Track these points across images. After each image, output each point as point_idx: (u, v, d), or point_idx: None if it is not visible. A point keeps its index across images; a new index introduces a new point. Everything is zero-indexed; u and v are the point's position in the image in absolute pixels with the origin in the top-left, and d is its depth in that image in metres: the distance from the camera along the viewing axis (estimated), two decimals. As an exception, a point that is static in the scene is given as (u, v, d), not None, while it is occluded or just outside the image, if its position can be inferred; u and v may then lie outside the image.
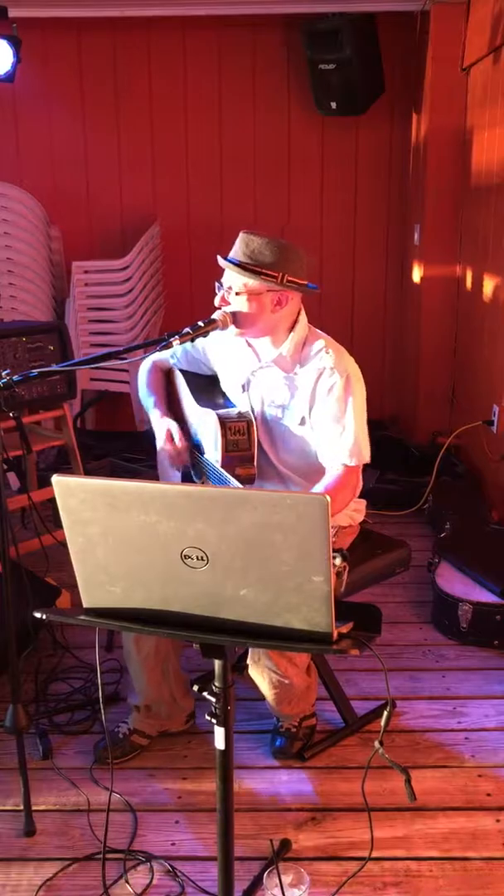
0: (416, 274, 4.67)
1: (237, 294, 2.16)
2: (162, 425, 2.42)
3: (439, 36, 4.22)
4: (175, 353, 2.51)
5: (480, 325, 4.10)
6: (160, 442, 2.42)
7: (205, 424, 2.36)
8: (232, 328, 2.21)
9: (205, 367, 2.51)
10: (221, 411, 2.31)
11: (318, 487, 2.16)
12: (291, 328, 2.26)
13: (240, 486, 2.17)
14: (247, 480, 2.25)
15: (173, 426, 2.41)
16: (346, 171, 4.94)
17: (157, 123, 4.87)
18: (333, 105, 4.52)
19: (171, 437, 2.39)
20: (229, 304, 2.19)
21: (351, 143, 4.89)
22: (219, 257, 2.21)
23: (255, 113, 4.86)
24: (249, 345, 2.33)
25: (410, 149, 4.78)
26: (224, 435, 2.23)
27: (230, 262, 2.15)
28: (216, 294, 2.22)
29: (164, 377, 2.59)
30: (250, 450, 2.26)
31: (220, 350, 2.43)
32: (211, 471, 2.31)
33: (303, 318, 2.28)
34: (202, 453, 2.39)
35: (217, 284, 2.22)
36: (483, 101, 3.98)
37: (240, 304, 2.17)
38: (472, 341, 4.26)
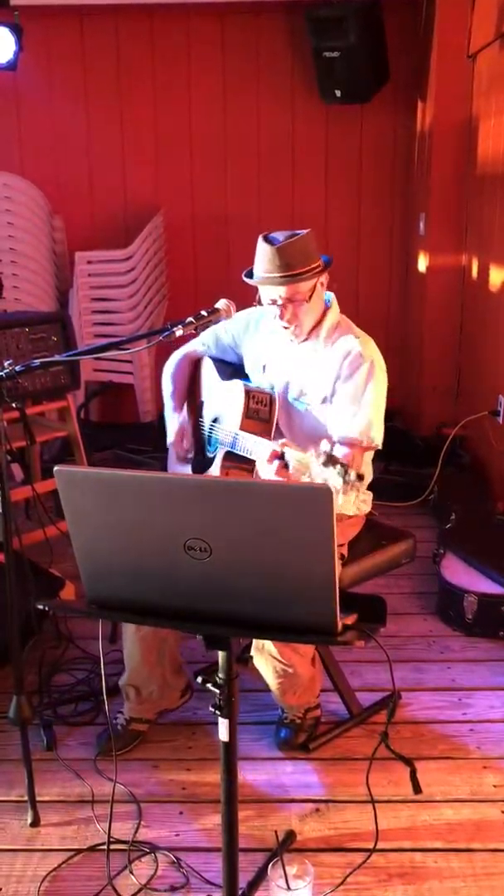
0: (422, 264, 4.64)
1: (287, 303, 2.20)
2: (174, 423, 2.48)
3: (445, 23, 4.19)
4: (206, 342, 2.55)
5: (486, 315, 4.07)
6: (170, 438, 2.47)
7: (227, 395, 2.38)
8: (289, 336, 2.26)
9: (235, 356, 2.53)
10: (248, 382, 2.37)
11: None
12: (324, 313, 2.30)
13: (261, 439, 2.17)
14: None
15: (186, 428, 2.47)
16: (351, 160, 4.91)
17: (160, 112, 4.84)
18: (338, 93, 4.48)
19: (180, 439, 2.45)
20: (298, 317, 2.23)
21: (356, 132, 4.86)
22: (255, 279, 2.20)
23: (258, 101, 4.82)
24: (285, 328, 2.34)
25: (416, 137, 4.75)
26: (247, 402, 2.27)
27: (282, 277, 2.16)
28: (276, 314, 2.23)
29: (191, 368, 2.61)
30: (269, 423, 2.29)
31: (255, 332, 2.45)
32: (224, 438, 2.33)
33: (335, 304, 2.34)
34: (221, 425, 2.41)
35: (268, 302, 2.23)
36: (489, 88, 3.95)
37: (307, 310, 2.22)
38: (478, 331, 4.24)
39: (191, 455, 2.49)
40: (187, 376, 2.59)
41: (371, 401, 2.22)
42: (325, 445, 1.73)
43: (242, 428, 2.27)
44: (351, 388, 2.22)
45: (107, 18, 4.65)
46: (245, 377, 2.48)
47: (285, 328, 2.25)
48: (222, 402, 2.42)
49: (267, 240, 2.18)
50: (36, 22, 4.22)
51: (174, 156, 4.89)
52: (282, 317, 2.22)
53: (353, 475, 1.60)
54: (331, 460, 1.61)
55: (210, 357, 2.56)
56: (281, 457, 1.92)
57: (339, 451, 2.17)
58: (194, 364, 2.61)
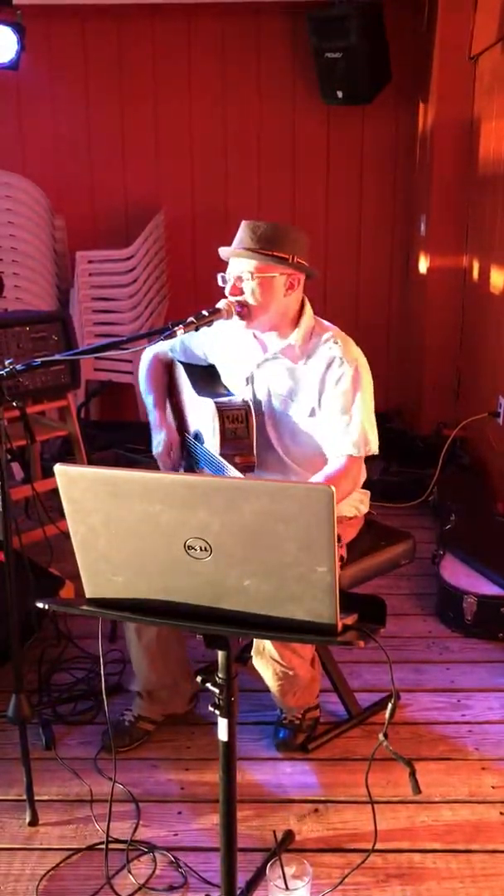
0: (422, 265, 4.64)
1: (249, 280, 2.14)
2: (160, 436, 2.45)
3: (447, 23, 4.18)
4: (174, 347, 2.51)
5: (486, 316, 4.07)
6: (157, 449, 2.45)
7: (204, 413, 2.35)
8: (236, 320, 2.18)
9: (200, 359, 2.50)
10: (219, 399, 2.30)
11: (319, 476, 2.14)
12: (297, 317, 2.24)
13: (237, 473, 2.16)
14: (245, 469, 2.24)
15: (174, 440, 2.45)
16: (352, 161, 4.91)
17: (161, 112, 4.84)
18: (339, 94, 4.48)
19: (168, 452, 2.43)
20: (242, 292, 2.16)
21: (356, 133, 4.86)
22: (223, 249, 2.19)
23: (260, 102, 4.83)
24: (256, 337, 2.31)
25: (417, 138, 4.75)
26: (222, 423, 2.22)
27: (236, 249, 2.14)
28: (224, 288, 2.19)
29: (165, 370, 2.58)
30: (248, 438, 2.24)
31: (223, 345, 2.41)
32: (208, 460, 2.30)
33: (308, 308, 2.27)
34: (202, 442, 2.38)
35: (220, 277, 2.20)
36: (491, 90, 3.95)
37: (252, 290, 2.14)
38: (478, 332, 4.24)
39: (180, 468, 2.47)
40: (164, 381, 2.56)
41: (361, 408, 2.19)
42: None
43: (223, 450, 2.22)
44: (339, 398, 2.18)
45: (108, 18, 4.65)
46: (218, 384, 2.44)
47: (232, 309, 2.15)
48: (200, 418, 2.39)
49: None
50: (38, 21, 4.21)
51: (175, 156, 4.90)
52: (231, 292, 2.15)
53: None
54: None
55: (180, 362, 2.52)
56: None
57: (336, 464, 2.17)
58: (167, 366, 2.57)
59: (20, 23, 3.76)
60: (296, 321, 2.24)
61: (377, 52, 4.35)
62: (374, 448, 2.23)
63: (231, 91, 4.81)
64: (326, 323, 2.29)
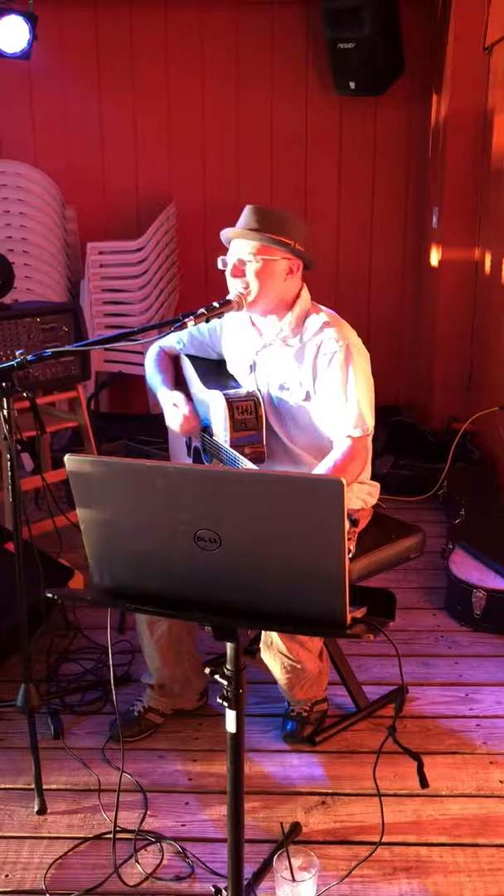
0: (434, 257, 4.62)
1: (250, 262, 2.14)
2: (167, 398, 2.42)
3: (461, 14, 4.15)
4: (182, 339, 2.52)
5: (498, 310, 4.05)
6: (168, 416, 2.41)
7: (213, 405, 2.35)
8: (270, 327, 2.21)
9: (213, 351, 2.50)
10: (228, 391, 2.31)
11: (327, 462, 2.14)
12: (292, 303, 2.25)
13: (252, 465, 2.15)
14: (256, 459, 2.25)
15: (178, 396, 2.40)
16: (365, 152, 4.88)
17: (173, 103, 4.82)
18: (352, 85, 4.45)
19: (176, 406, 2.39)
20: (243, 273, 2.16)
21: (369, 124, 4.83)
22: (225, 231, 2.18)
23: (272, 93, 4.80)
24: (253, 324, 2.31)
25: (430, 130, 4.71)
26: (231, 415, 2.23)
27: (238, 230, 2.14)
28: (224, 271, 2.19)
29: (172, 363, 2.58)
30: (258, 428, 2.26)
31: (227, 333, 2.43)
32: (223, 452, 2.30)
33: (305, 293, 2.28)
34: (212, 435, 2.38)
35: (220, 260, 2.20)
36: (505, 81, 3.92)
37: (254, 272, 2.15)
38: (490, 326, 4.21)
39: (195, 423, 2.41)
40: (171, 371, 2.56)
41: (356, 387, 2.18)
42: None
43: (232, 440, 2.23)
44: (333, 378, 2.18)
45: (121, 8, 4.63)
46: (227, 377, 2.44)
47: (243, 301, 2.17)
48: (209, 410, 2.40)
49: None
50: (50, 11, 4.20)
51: (187, 147, 4.88)
52: (233, 273, 2.17)
53: (346, 524, 1.61)
54: None
55: (187, 356, 2.53)
56: None
57: (341, 448, 2.17)
58: (173, 360, 2.58)
59: (32, 12, 3.75)
60: (290, 306, 2.25)
61: (390, 43, 4.32)
62: (370, 425, 2.22)
63: (243, 81, 4.78)
64: (324, 308, 2.30)
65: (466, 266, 4.44)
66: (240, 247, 2.17)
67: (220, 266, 2.20)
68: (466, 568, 3.07)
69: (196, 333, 2.47)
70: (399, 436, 4.41)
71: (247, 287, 2.17)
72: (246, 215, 2.17)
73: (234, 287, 2.19)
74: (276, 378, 2.30)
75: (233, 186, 4.91)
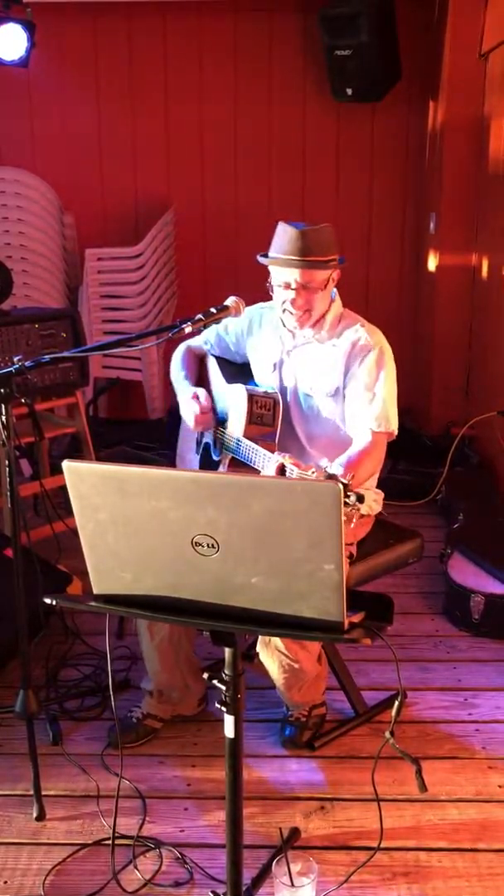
0: (432, 263, 4.63)
1: (309, 287, 2.19)
2: (187, 391, 2.46)
3: (457, 21, 4.17)
4: (209, 340, 2.56)
5: (496, 315, 4.06)
6: (184, 409, 2.44)
7: (232, 398, 2.38)
8: (306, 329, 2.25)
9: (237, 355, 2.53)
10: (250, 386, 2.36)
11: (343, 458, 2.15)
12: (329, 306, 2.30)
13: (266, 452, 2.16)
14: None
15: (200, 390, 2.45)
16: (362, 159, 4.90)
17: (172, 109, 4.84)
18: (349, 91, 4.47)
19: (196, 397, 2.42)
20: (311, 305, 2.22)
21: (367, 130, 4.85)
22: (287, 260, 2.17)
23: (270, 99, 4.82)
24: (284, 325, 2.33)
25: (427, 136, 4.73)
26: (250, 408, 2.27)
27: (302, 260, 2.15)
28: (274, 294, 2.22)
29: (197, 361, 2.62)
30: (273, 426, 2.29)
31: (255, 331, 2.45)
32: (234, 442, 2.32)
33: (338, 297, 2.34)
34: (225, 428, 2.40)
35: (279, 285, 2.21)
36: (501, 87, 3.93)
37: (316, 297, 2.22)
38: (488, 331, 4.22)
39: (210, 420, 2.43)
40: (196, 369, 2.60)
41: (383, 387, 2.24)
42: (324, 463, 1.78)
43: (246, 434, 2.26)
44: (363, 375, 2.23)
45: (119, 16, 4.65)
46: (250, 377, 2.48)
47: (291, 314, 2.23)
48: (227, 405, 2.42)
49: (290, 224, 2.18)
50: (48, 18, 4.22)
51: (185, 153, 4.90)
52: (293, 303, 2.21)
53: (353, 497, 1.62)
54: (330, 479, 1.61)
55: (213, 356, 2.56)
56: (283, 471, 1.91)
57: (359, 443, 2.18)
58: (199, 359, 2.62)
59: (30, 20, 3.77)
60: (328, 308, 2.30)
61: (388, 50, 4.34)
62: (394, 427, 2.26)
63: (242, 88, 4.81)
64: (354, 314, 2.36)
65: (464, 271, 4.46)
66: (286, 274, 2.20)
67: (272, 293, 2.26)
68: (465, 573, 3.07)
69: (224, 334, 2.51)
70: (397, 440, 4.39)
71: (308, 311, 2.23)
72: (296, 242, 2.15)
73: (292, 309, 2.22)
74: (305, 374, 2.34)
75: (231, 192, 4.92)
